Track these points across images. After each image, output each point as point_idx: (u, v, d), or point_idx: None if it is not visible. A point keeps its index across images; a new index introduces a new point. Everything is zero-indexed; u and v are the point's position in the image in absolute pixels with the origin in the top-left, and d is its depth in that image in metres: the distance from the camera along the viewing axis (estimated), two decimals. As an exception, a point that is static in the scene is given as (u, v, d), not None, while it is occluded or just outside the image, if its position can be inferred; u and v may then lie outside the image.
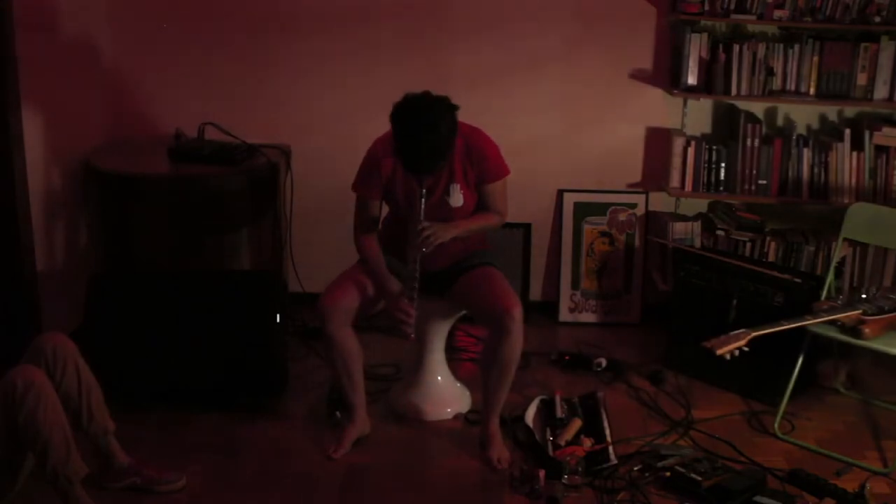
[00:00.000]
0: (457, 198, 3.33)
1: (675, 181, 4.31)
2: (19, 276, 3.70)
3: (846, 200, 4.15)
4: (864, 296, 3.59)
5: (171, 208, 3.99)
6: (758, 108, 4.36)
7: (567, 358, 4.10)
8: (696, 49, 4.15)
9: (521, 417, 3.52)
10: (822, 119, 4.41)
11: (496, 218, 3.42)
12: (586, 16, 4.32)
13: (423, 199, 3.21)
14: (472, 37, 4.29)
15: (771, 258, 4.25)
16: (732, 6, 4.11)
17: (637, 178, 4.52)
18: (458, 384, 3.75)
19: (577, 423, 3.46)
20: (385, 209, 3.53)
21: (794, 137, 4.25)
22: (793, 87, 4.18)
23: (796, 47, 4.13)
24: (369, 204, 3.39)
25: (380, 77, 4.29)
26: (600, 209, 4.52)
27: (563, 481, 3.15)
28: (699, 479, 3.11)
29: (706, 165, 4.28)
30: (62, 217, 4.04)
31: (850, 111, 4.35)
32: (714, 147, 4.28)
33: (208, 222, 4.04)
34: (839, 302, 3.57)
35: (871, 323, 3.34)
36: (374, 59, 4.34)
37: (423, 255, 3.24)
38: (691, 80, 4.19)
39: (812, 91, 4.17)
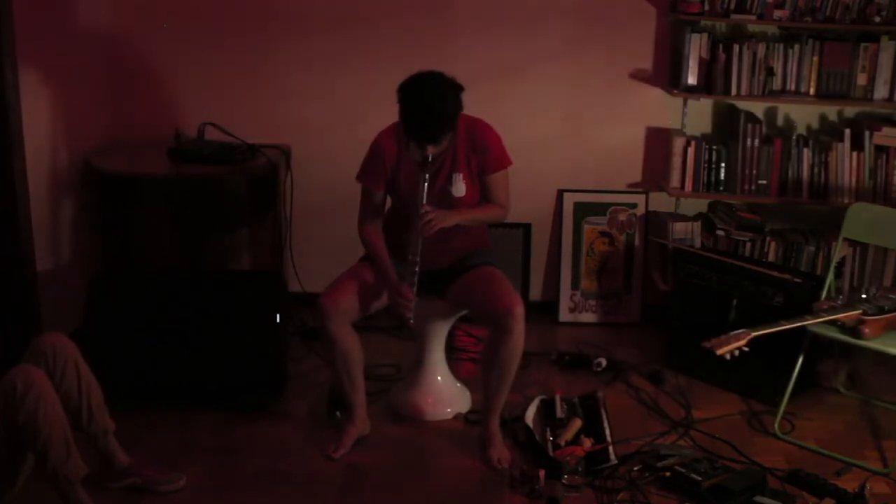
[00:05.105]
0: (459, 187, 3.33)
1: (675, 181, 4.31)
2: (19, 276, 3.69)
3: (846, 200, 4.15)
4: (864, 296, 3.59)
5: (171, 208, 4.00)
6: (758, 108, 4.35)
7: (567, 358, 4.10)
8: (696, 49, 4.15)
9: (521, 417, 3.51)
10: (822, 119, 4.41)
11: (499, 210, 3.42)
12: (586, 16, 4.32)
13: (426, 184, 3.22)
14: (473, 36, 4.30)
15: (771, 258, 4.25)
16: (732, 6, 4.11)
17: (637, 178, 4.52)
18: (458, 384, 3.75)
19: (577, 423, 3.45)
20: (386, 210, 3.53)
21: (794, 137, 4.25)
22: (793, 87, 4.18)
23: (796, 47, 4.13)
24: (373, 194, 3.40)
25: (380, 77, 4.26)
26: (600, 209, 4.52)
27: (563, 481, 3.15)
28: (699, 479, 3.11)
29: (706, 165, 4.28)
30: (62, 217, 4.04)
31: (850, 111, 4.35)
32: (714, 147, 4.28)
33: (208, 222, 4.04)
34: (839, 302, 3.57)
35: (871, 323, 3.34)
36: (375, 59, 4.34)
37: (424, 241, 3.22)
38: (691, 80, 4.18)
39: (812, 91, 4.18)
